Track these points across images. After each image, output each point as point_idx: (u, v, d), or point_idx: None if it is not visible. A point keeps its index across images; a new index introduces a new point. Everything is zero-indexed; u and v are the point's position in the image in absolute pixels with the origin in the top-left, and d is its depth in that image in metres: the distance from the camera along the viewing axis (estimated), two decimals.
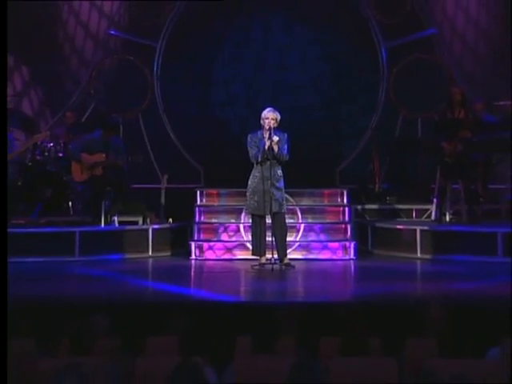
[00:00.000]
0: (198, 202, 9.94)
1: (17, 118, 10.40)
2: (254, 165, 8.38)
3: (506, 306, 5.60)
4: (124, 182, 9.67)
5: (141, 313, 6.05)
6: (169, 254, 9.64)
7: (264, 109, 8.45)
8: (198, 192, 10.01)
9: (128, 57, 11.67)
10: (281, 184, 8.40)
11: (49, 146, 10.11)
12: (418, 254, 9.10)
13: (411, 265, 8.79)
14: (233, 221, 9.70)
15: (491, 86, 10.99)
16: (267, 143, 8.25)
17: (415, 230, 9.23)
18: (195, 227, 9.66)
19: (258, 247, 8.40)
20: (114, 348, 4.61)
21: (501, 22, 11.42)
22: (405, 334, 4.85)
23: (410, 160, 11.47)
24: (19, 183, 9.90)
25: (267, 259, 8.34)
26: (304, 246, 9.43)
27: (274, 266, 8.22)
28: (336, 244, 9.42)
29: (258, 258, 8.43)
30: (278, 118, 8.38)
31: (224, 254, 9.44)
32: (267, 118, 8.32)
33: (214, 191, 10.06)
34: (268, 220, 8.40)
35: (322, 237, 9.60)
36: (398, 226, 9.66)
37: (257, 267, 8.34)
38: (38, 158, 10.12)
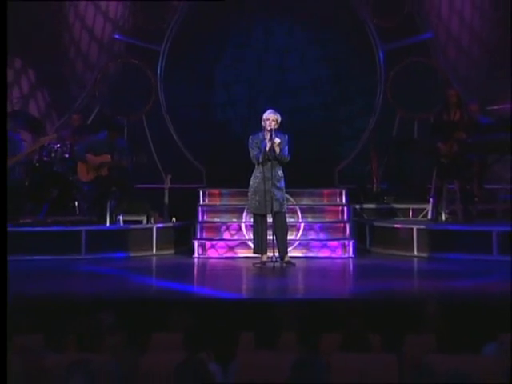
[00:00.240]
0: (201, 202, 9.97)
1: (24, 119, 10.44)
2: (256, 165, 8.43)
3: (502, 303, 5.69)
4: (128, 182, 9.74)
5: (145, 310, 6.11)
6: (172, 252, 9.68)
7: (265, 110, 8.50)
8: (201, 192, 10.04)
9: (132, 60, 11.73)
10: (281, 184, 8.44)
11: (55, 147, 10.13)
12: (415, 253, 9.14)
13: (408, 263, 8.83)
14: (235, 220, 9.74)
15: (486, 88, 11.01)
16: (268, 144, 8.29)
17: (412, 228, 9.28)
18: (198, 226, 9.67)
19: (260, 246, 8.46)
20: (120, 344, 4.66)
21: (495, 26, 11.45)
22: (403, 330, 4.94)
23: (407, 161, 11.50)
24: (26, 183, 9.92)
25: (268, 257, 8.42)
26: (304, 245, 9.48)
27: (275, 263, 8.31)
28: (335, 242, 9.47)
29: (260, 256, 8.49)
30: (279, 119, 8.43)
31: (226, 252, 9.48)
32: (268, 120, 8.36)
33: (217, 191, 10.10)
34: (269, 219, 8.46)
35: (322, 235, 9.64)
36: (396, 225, 9.72)
37: (258, 265, 8.39)
38: (45, 158, 10.13)
